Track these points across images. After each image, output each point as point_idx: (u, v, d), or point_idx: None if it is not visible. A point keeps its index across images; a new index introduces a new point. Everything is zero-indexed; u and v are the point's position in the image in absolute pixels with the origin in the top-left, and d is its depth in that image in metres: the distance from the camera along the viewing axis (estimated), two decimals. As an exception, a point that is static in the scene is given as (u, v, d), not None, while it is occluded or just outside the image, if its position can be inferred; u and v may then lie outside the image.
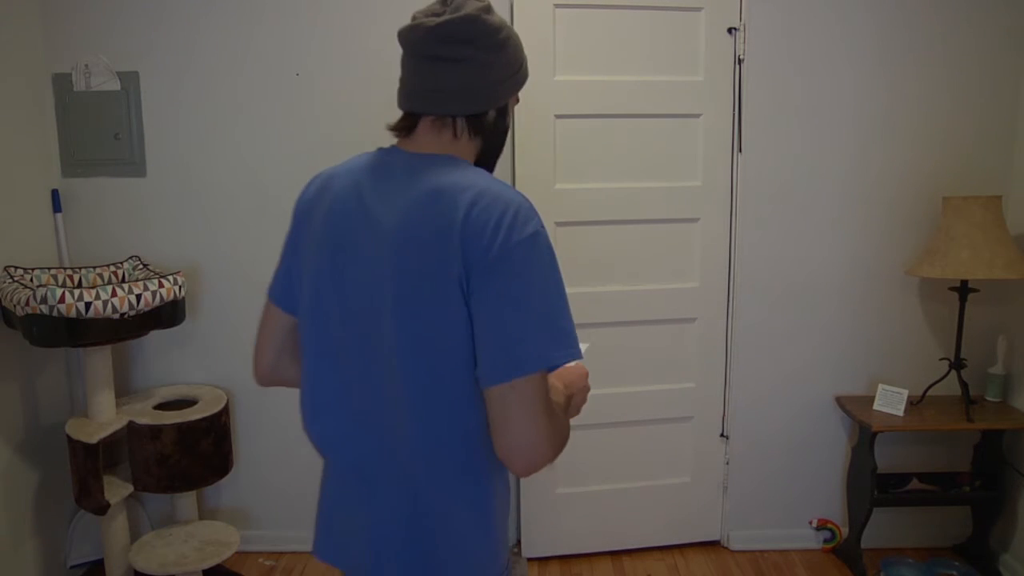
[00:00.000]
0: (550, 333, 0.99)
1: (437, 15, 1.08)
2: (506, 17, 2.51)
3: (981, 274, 2.33)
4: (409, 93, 1.13)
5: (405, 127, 1.15)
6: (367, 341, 1.07)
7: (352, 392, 1.11)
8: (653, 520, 2.80)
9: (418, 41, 1.08)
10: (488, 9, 1.10)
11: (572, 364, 1.17)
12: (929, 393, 2.65)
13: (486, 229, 0.99)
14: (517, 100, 1.20)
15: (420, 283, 1.00)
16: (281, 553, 2.84)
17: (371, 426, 1.09)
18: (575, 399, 1.20)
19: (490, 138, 1.15)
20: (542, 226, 1.03)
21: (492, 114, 1.13)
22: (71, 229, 2.63)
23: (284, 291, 1.20)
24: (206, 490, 2.80)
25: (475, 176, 1.05)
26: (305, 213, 1.17)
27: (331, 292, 1.10)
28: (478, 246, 0.98)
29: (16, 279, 2.24)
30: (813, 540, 2.83)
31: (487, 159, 1.17)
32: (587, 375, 1.23)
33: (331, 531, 1.19)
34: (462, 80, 1.08)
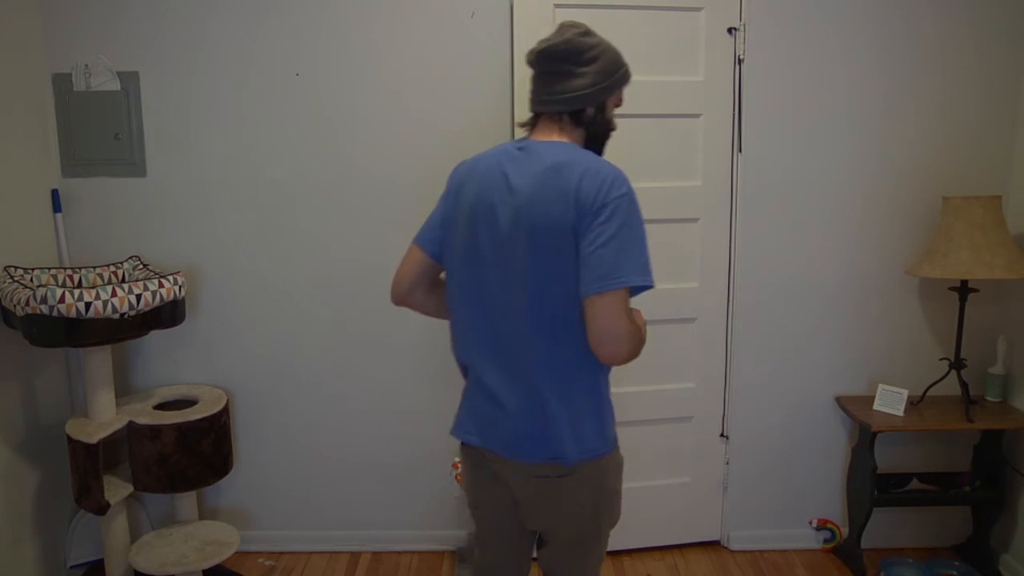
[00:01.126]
0: (631, 263, 1.41)
1: (547, 40, 1.54)
2: (506, 17, 2.51)
3: (981, 274, 2.33)
4: (533, 100, 1.58)
5: (531, 123, 1.60)
6: (505, 278, 1.50)
7: (492, 320, 1.53)
8: (653, 520, 2.80)
9: (534, 61, 1.56)
10: (585, 33, 1.55)
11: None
12: (929, 393, 2.66)
13: (591, 190, 1.41)
14: (620, 100, 1.62)
15: (545, 231, 1.43)
16: (281, 553, 2.84)
17: (506, 346, 1.53)
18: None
19: (592, 129, 1.57)
20: (631, 189, 1.45)
21: (591, 111, 1.55)
22: (71, 229, 2.63)
23: (429, 239, 1.63)
24: (206, 490, 2.80)
25: (583, 156, 1.48)
26: (458, 185, 1.59)
27: (479, 242, 1.52)
28: (586, 201, 1.41)
29: (16, 279, 2.24)
30: (813, 540, 2.83)
31: (594, 144, 1.59)
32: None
33: (474, 421, 1.62)
34: (565, 87, 1.53)
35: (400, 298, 1.68)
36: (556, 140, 1.53)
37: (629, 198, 1.43)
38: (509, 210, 1.48)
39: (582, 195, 1.41)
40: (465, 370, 1.66)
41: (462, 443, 1.69)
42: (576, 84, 1.52)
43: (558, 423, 1.51)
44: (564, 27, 1.56)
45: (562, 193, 1.42)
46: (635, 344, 1.44)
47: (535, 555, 1.76)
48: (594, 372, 1.53)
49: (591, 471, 1.55)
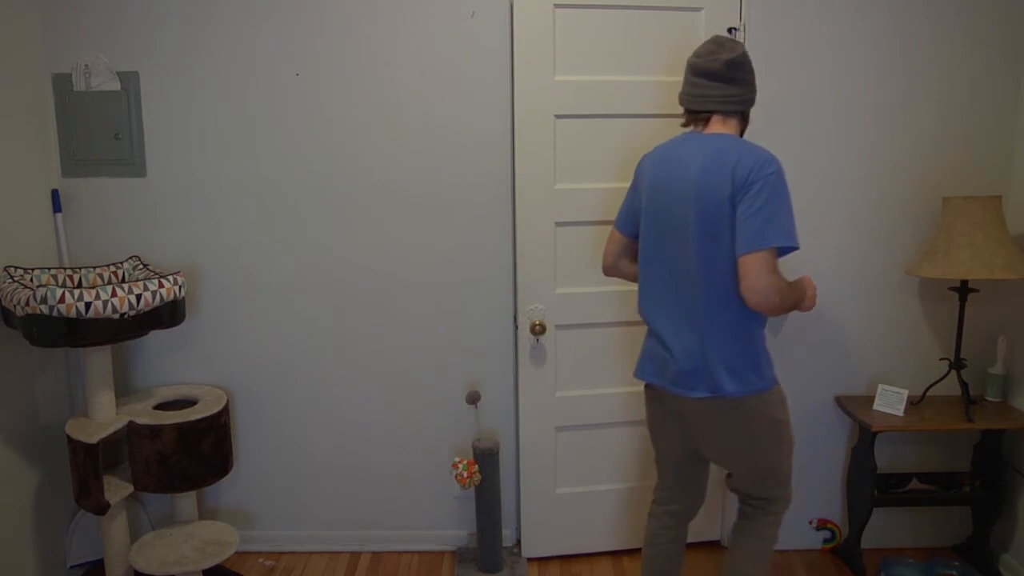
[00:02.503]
0: (777, 228, 1.73)
1: (719, 53, 1.88)
2: (506, 17, 2.51)
3: (981, 274, 2.33)
4: (703, 99, 1.90)
5: (702, 120, 1.93)
6: (679, 244, 1.87)
7: (667, 280, 1.92)
8: (653, 520, 2.80)
9: (714, 70, 1.88)
10: (745, 49, 1.90)
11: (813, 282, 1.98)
12: (929, 393, 2.66)
13: (746, 169, 1.76)
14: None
15: (711, 202, 1.79)
16: (281, 553, 2.84)
17: (676, 300, 1.90)
18: (809, 293, 1.95)
19: (744, 124, 1.96)
20: (779, 168, 1.77)
21: (746, 112, 1.94)
22: (71, 229, 2.63)
23: (624, 222, 2.07)
24: (206, 490, 2.80)
25: (741, 142, 1.83)
26: (645, 172, 1.98)
27: (661, 216, 1.91)
28: (742, 177, 1.76)
29: (16, 279, 2.24)
30: (813, 540, 2.83)
31: (742, 134, 1.96)
32: (816, 289, 2.00)
33: (652, 363, 2.01)
34: (740, 92, 1.89)
35: (608, 269, 2.14)
36: (721, 132, 1.89)
37: (777, 175, 1.76)
38: (682, 188, 1.85)
39: (738, 173, 1.76)
40: (648, 324, 2.01)
41: (646, 384, 2.07)
42: (746, 89, 1.90)
43: (715, 363, 1.85)
44: (724, 40, 1.91)
45: (724, 171, 1.78)
46: (784, 297, 1.76)
47: (727, 483, 2.11)
48: (747, 320, 1.85)
49: (754, 404, 1.87)
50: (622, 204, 2.07)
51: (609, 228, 2.60)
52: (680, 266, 1.88)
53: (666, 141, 1.97)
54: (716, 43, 1.91)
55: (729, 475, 2.08)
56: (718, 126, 1.90)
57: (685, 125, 1.97)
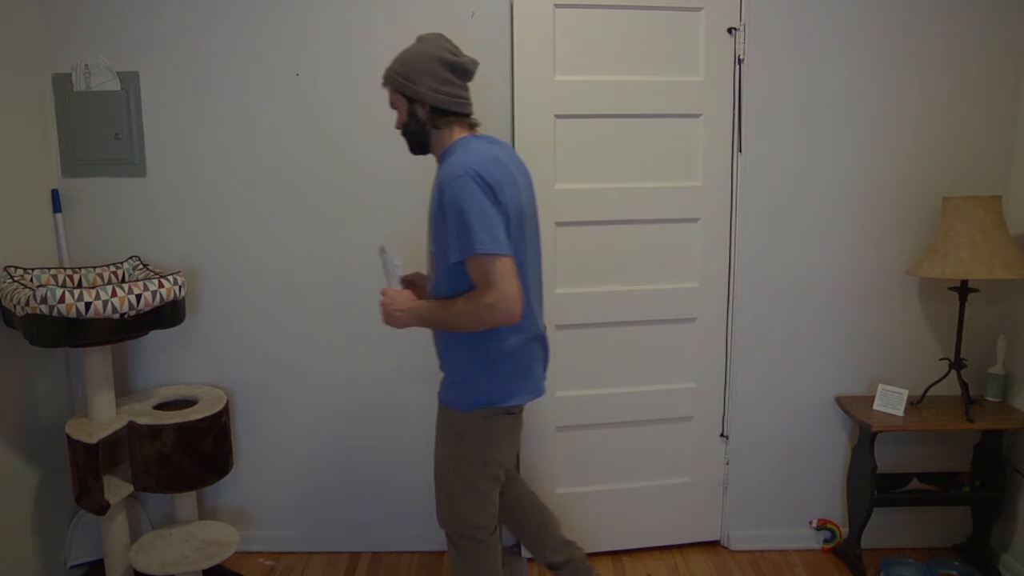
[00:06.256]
0: (461, 239, 1.74)
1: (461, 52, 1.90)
2: (506, 17, 2.51)
3: (981, 274, 2.33)
4: (468, 103, 1.92)
5: (470, 123, 1.94)
6: (536, 250, 1.98)
7: (536, 285, 1.98)
8: (653, 520, 2.80)
9: (473, 72, 1.91)
10: None
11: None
12: (929, 393, 2.66)
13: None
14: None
15: (535, 204, 2.00)
16: (281, 553, 2.84)
17: (541, 303, 2.01)
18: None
19: None
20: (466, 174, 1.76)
21: None
22: (71, 229, 2.63)
23: (509, 245, 1.83)
24: (206, 490, 2.80)
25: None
26: (503, 184, 1.82)
27: (525, 229, 1.90)
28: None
29: (16, 279, 2.24)
30: (813, 540, 2.83)
31: None
32: (389, 296, 1.93)
33: (543, 376, 2.01)
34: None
35: (522, 308, 1.84)
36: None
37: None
38: (527, 191, 1.90)
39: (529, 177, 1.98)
40: (531, 340, 1.94)
41: (518, 406, 1.96)
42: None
43: None
44: (442, 37, 1.91)
45: (529, 175, 1.97)
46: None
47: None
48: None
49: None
50: (492, 227, 1.74)
51: (610, 228, 2.60)
52: (539, 270, 1.97)
53: (481, 146, 1.84)
54: (446, 39, 1.90)
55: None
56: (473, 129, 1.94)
57: (466, 128, 1.92)
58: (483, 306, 1.73)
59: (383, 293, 1.91)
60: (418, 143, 1.94)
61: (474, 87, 2.60)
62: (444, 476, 1.98)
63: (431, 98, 1.84)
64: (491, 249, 1.71)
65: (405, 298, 1.91)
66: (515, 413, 1.97)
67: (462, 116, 1.90)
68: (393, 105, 1.93)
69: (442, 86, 1.85)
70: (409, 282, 2.05)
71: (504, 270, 1.72)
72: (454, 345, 1.91)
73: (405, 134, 1.93)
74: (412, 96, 1.86)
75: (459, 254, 1.74)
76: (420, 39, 1.90)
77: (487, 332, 1.83)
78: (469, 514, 1.97)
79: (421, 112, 1.87)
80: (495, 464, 1.97)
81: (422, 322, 1.88)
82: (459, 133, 1.90)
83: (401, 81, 1.86)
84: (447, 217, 1.75)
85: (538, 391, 1.98)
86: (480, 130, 1.98)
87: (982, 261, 2.33)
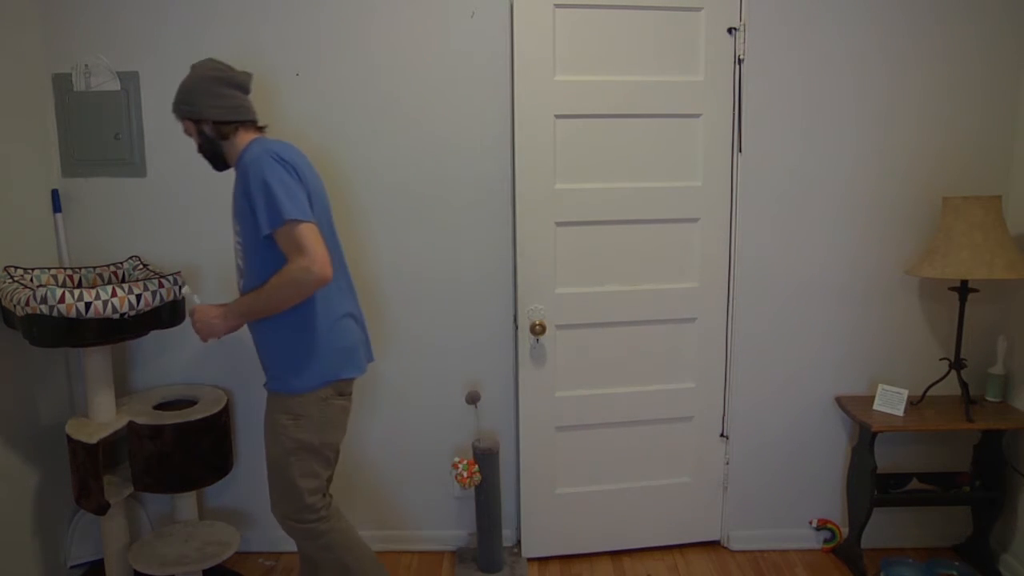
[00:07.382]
0: (269, 211, 1.85)
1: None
2: (506, 17, 2.51)
3: (981, 274, 2.33)
4: (253, 111, 2.05)
5: (257, 127, 2.06)
6: (335, 238, 2.08)
7: (342, 268, 2.09)
8: (653, 520, 2.80)
9: (249, 84, 2.07)
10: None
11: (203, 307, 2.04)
12: (929, 393, 2.66)
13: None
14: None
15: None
16: (281, 553, 2.84)
17: (352, 287, 2.15)
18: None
19: None
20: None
21: None
22: (71, 229, 2.63)
23: (311, 212, 1.93)
24: (206, 490, 2.80)
25: None
26: (303, 169, 1.96)
27: (325, 207, 2.04)
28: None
29: (16, 279, 2.24)
30: (813, 540, 2.83)
31: None
32: (199, 311, 2.02)
33: (364, 349, 2.13)
34: None
35: (332, 270, 1.93)
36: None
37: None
38: (321, 191, 2.02)
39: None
40: (345, 317, 2.04)
41: (350, 378, 2.05)
42: None
43: None
44: (212, 60, 2.07)
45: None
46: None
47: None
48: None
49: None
50: (295, 196, 1.86)
51: (610, 228, 2.60)
52: (341, 258, 2.06)
53: (273, 141, 1.97)
54: (217, 60, 2.06)
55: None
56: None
57: (257, 130, 2.05)
58: (298, 270, 1.81)
59: (190, 314, 2.02)
60: (217, 158, 2.05)
61: (474, 87, 2.61)
62: (281, 466, 2.02)
63: (212, 113, 1.97)
64: (296, 215, 1.81)
65: (214, 308, 2.01)
66: (346, 395, 2.07)
67: (247, 123, 2.02)
68: (187, 132, 2.04)
69: (219, 101, 1.97)
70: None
71: (311, 233, 1.83)
72: (272, 335, 1.98)
73: (203, 153, 2.05)
74: (197, 118, 1.99)
75: (269, 226, 1.83)
76: (192, 67, 2.04)
77: (302, 315, 1.93)
78: (305, 497, 2.03)
79: (208, 130, 1.99)
80: (329, 447, 2.06)
81: (242, 316, 1.97)
82: (248, 137, 2.01)
83: (184, 108, 2.00)
84: (252, 195, 1.84)
85: (361, 367, 2.09)
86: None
87: (982, 261, 2.33)
